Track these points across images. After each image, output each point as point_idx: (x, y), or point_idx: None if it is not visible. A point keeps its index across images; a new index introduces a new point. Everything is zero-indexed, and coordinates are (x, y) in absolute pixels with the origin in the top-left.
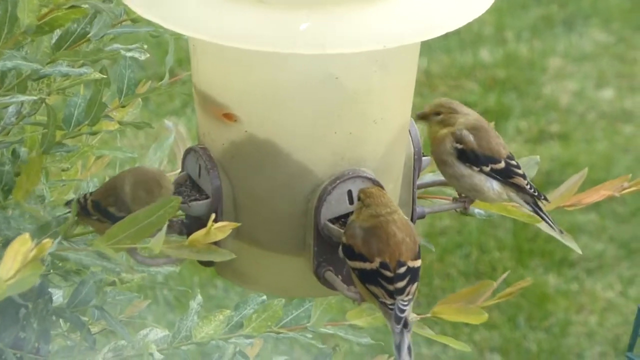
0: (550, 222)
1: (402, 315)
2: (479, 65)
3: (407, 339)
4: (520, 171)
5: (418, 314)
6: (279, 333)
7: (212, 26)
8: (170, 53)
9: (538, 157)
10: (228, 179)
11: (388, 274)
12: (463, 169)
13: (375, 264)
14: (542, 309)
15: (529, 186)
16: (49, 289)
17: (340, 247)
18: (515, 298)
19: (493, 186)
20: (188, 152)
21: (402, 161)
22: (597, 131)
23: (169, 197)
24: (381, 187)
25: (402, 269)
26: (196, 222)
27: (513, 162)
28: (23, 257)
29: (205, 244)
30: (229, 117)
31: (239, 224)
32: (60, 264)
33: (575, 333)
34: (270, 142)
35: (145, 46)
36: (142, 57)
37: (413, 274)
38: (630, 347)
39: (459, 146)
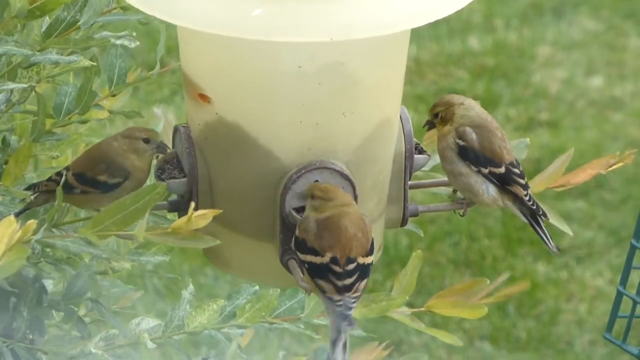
0: (546, 238)
1: (349, 313)
2: (468, 53)
3: (344, 337)
4: (522, 180)
5: (408, 303)
6: (272, 323)
7: (166, 5)
8: (162, 42)
9: (527, 139)
10: (204, 159)
11: (337, 269)
12: (461, 167)
13: (325, 259)
14: (531, 297)
15: (527, 197)
16: (41, 279)
17: (293, 240)
18: (504, 286)
19: (489, 190)
20: (175, 131)
21: (387, 157)
22: (587, 119)
23: (154, 183)
24: (350, 181)
25: (352, 266)
26: (181, 201)
27: (516, 170)
28: (8, 239)
29: (190, 230)
30: (203, 97)
31: (220, 211)
32: (50, 252)
33: (565, 321)
34: (238, 125)
35: (134, 34)
36: (132, 45)
37: (363, 271)
38: (609, 328)
39: (461, 142)
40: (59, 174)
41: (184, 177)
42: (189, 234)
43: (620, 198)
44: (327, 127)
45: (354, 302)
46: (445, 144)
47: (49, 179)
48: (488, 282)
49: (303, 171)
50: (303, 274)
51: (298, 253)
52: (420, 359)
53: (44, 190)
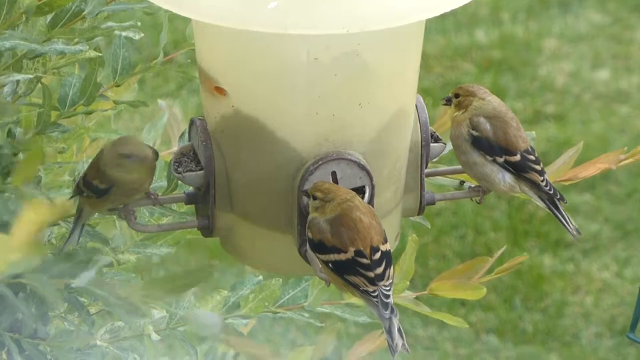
0: (565, 222)
1: (388, 300)
2: (475, 46)
3: (396, 322)
4: (537, 167)
5: (416, 298)
6: (276, 313)
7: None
8: (164, 31)
9: (534, 132)
10: (220, 152)
11: (365, 261)
12: (476, 157)
13: (350, 254)
14: (538, 290)
15: (544, 183)
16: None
17: (309, 245)
18: (511, 279)
19: (505, 178)
20: (191, 123)
21: (404, 147)
22: (593, 112)
23: (207, 264)
24: (367, 171)
25: (377, 255)
26: (198, 194)
27: (531, 157)
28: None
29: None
30: (219, 90)
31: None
32: (56, 244)
33: (571, 314)
34: (254, 118)
35: (139, 23)
36: (137, 37)
37: (388, 258)
38: (632, 328)
39: (475, 133)
40: (82, 177)
41: (200, 169)
42: None
43: (627, 191)
44: (343, 118)
45: (389, 289)
46: (459, 134)
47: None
48: (489, 259)
49: (320, 162)
50: (326, 272)
51: (318, 255)
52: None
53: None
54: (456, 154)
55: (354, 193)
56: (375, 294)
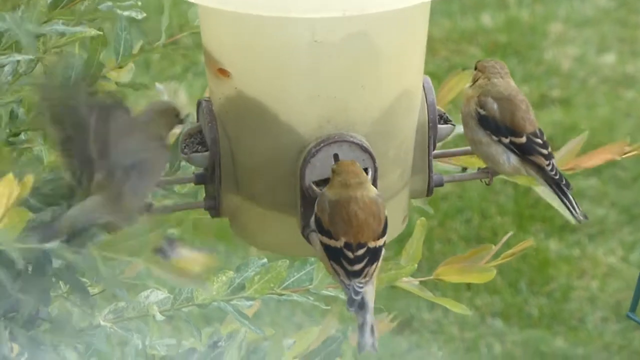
0: (571, 207)
1: (356, 297)
2: (481, 30)
3: (370, 319)
4: (544, 151)
5: (419, 278)
6: (281, 295)
7: None
8: (166, 12)
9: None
10: (226, 133)
11: (350, 255)
12: (482, 136)
13: (340, 243)
14: (543, 274)
15: (550, 167)
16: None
17: (313, 217)
18: (516, 263)
19: (510, 159)
20: (198, 105)
21: (410, 128)
22: (599, 96)
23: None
24: (370, 154)
25: (361, 251)
26: (207, 175)
27: (538, 140)
28: (7, 198)
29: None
30: (223, 72)
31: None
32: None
33: (577, 298)
34: (257, 100)
35: (139, 3)
36: (139, 17)
37: (373, 254)
38: (633, 308)
39: (482, 111)
40: None
41: (206, 150)
42: (185, 273)
43: (633, 176)
44: (346, 100)
45: (361, 286)
46: (467, 111)
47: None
48: (493, 246)
49: (322, 145)
50: (318, 250)
51: (320, 236)
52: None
53: None
54: (464, 132)
55: (365, 179)
56: (349, 287)
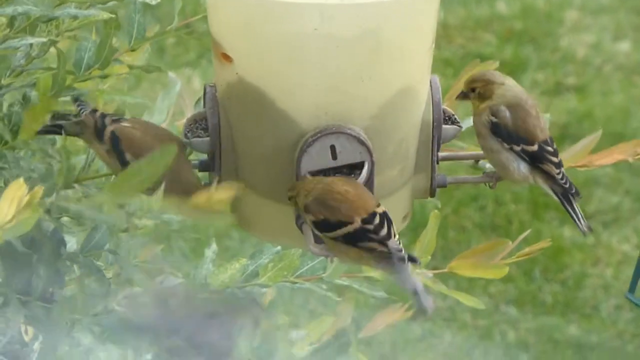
0: (576, 217)
1: (402, 253)
2: (496, 17)
3: (419, 282)
4: (555, 159)
5: (433, 267)
6: (294, 283)
7: None
8: None
9: (549, 115)
10: (227, 119)
11: (371, 226)
12: (493, 143)
13: (357, 223)
14: (557, 261)
15: (560, 176)
16: (61, 233)
17: (314, 228)
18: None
19: (520, 167)
20: (205, 90)
21: (412, 125)
22: (614, 84)
23: (166, 146)
24: (367, 147)
25: (377, 219)
26: (209, 161)
27: (549, 148)
28: (18, 202)
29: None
30: (225, 57)
31: (240, 191)
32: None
33: (591, 285)
34: (256, 87)
35: None
36: (154, 2)
37: (387, 218)
38: (632, 289)
39: (494, 119)
40: (103, 117)
41: (208, 136)
42: (208, 209)
43: None
44: (344, 92)
45: (399, 243)
46: (480, 121)
47: (92, 113)
48: (510, 242)
49: (319, 135)
50: (336, 249)
51: (328, 234)
52: None
53: (79, 121)
54: (477, 140)
55: (319, 177)
56: (390, 252)
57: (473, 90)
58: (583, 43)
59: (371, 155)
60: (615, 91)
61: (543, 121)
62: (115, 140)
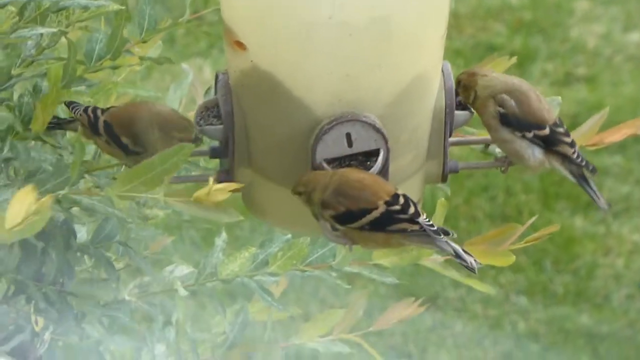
0: (595, 195)
1: (435, 228)
2: (506, 7)
3: (454, 245)
4: (567, 139)
5: (443, 256)
6: (304, 271)
7: None
8: None
9: (559, 97)
10: (240, 107)
11: (397, 207)
12: (506, 134)
13: (381, 208)
14: (568, 251)
15: (575, 155)
16: (72, 224)
17: (336, 223)
18: (541, 241)
19: (535, 153)
20: (216, 77)
21: (425, 112)
22: (624, 74)
23: (182, 144)
24: (383, 134)
25: (401, 199)
26: (221, 148)
27: (560, 129)
28: (27, 208)
29: (212, 202)
30: (239, 45)
31: (239, 187)
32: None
33: (602, 275)
34: (271, 74)
35: None
36: None
37: (409, 198)
38: None
39: (502, 110)
40: (95, 110)
41: (221, 124)
42: (212, 205)
43: None
44: (359, 79)
45: (428, 220)
46: (488, 113)
47: (85, 110)
48: (520, 226)
49: (334, 123)
50: (361, 238)
51: (351, 226)
52: None
53: (76, 119)
54: (489, 134)
55: (330, 171)
56: (422, 229)
57: (458, 83)
58: (593, 33)
59: (386, 143)
60: (625, 81)
61: (545, 102)
62: (107, 127)
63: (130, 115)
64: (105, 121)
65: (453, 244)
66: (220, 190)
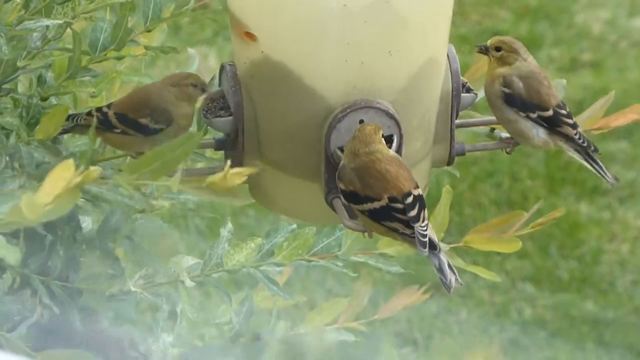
0: (601, 171)
1: (425, 239)
2: None
3: (444, 258)
4: (570, 120)
5: (449, 243)
6: (309, 261)
7: None
8: None
9: (564, 80)
10: (250, 97)
11: (399, 205)
12: (510, 114)
13: (384, 201)
14: (574, 237)
15: (577, 136)
16: (77, 216)
17: (341, 194)
18: (547, 227)
19: (539, 133)
20: (222, 69)
21: (434, 96)
22: (630, 60)
23: (190, 133)
24: (396, 120)
25: (410, 199)
26: (227, 140)
27: (563, 112)
28: (65, 183)
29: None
30: (249, 36)
31: (256, 170)
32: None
33: (607, 261)
34: (283, 64)
35: None
36: None
37: (421, 201)
38: None
39: (507, 90)
40: (100, 110)
41: (229, 115)
42: (225, 190)
43: None
44: (372, 66)
45: (425, 229)
46: (493, 91)
47: (89, 113)
48: (525, 213)
49: (348, 110)
50: (364, 220)
51: (353, 205)
52: None
53: (83, 124)
54: (492, 111)
55: (376, 148)
56: (413, 235)
57: (498, 49)
58: (598, 19)
59: (400, 129)
60: (630, 67)
61: (555, 89)
62: (121, 117)
63: (140, 97)
64: (116, 113)
65: (442, 257)
66: (237, 175)
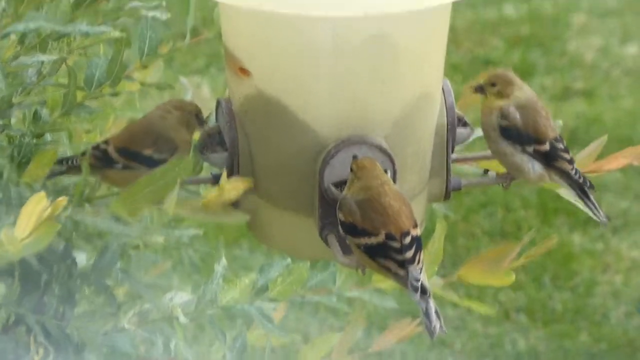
0: (595, 209)
1: (417, 283)
2: (503, 22)
3: (432, 304)
4: (567, 155)
5: (442, 276)
6: (304, 296)
7: None
8: (191, 13)
9: (560, 122)
10: (244, 132)
11: (396, 244)
12: (505, 147)
13: (380, 237)
14: (567, 268)
15: (574, 172)
16: (73, 253)
17: (339, 224)
18: (540, 258)
19: (534, 168)
20: (217, 104)
21: (429, 131)
22: (622, 88)
23: (180, 157)
24: (389, 156)
25: (408, 239)
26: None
27: (560, 146)
28: (38, 216)
29: (221, 205)
30: (243, 72)
31: (251, 183)
32: (82, 227)
33: (601, 292)
34: (276, 99)
35: (164, 3)
36: (164, 17)
37: (418, 242)
38: None
39: (504, 123)
40: (97, 147)
41: (225, 151)
42: (221, 209)
43: None
44: (365, 101)
45: (419, 272)
46: (489, 123)
47: (84, 154)
48: (517, 245)
49: (342, 146)
50: (359, 255)
51: (350, 237)
52: None
53: (79, 166)
54: (487, 144)
55: (385, 179)
56: (406, 277)
57: (493, 85)
58: (591, 47)
59: (393, 164)
60: (623, 95)
61: (552, 121)
62: (122, 150)
63: (141, 127)
64: (116, 147)
65: (430, 303)
66: (232, 189)
